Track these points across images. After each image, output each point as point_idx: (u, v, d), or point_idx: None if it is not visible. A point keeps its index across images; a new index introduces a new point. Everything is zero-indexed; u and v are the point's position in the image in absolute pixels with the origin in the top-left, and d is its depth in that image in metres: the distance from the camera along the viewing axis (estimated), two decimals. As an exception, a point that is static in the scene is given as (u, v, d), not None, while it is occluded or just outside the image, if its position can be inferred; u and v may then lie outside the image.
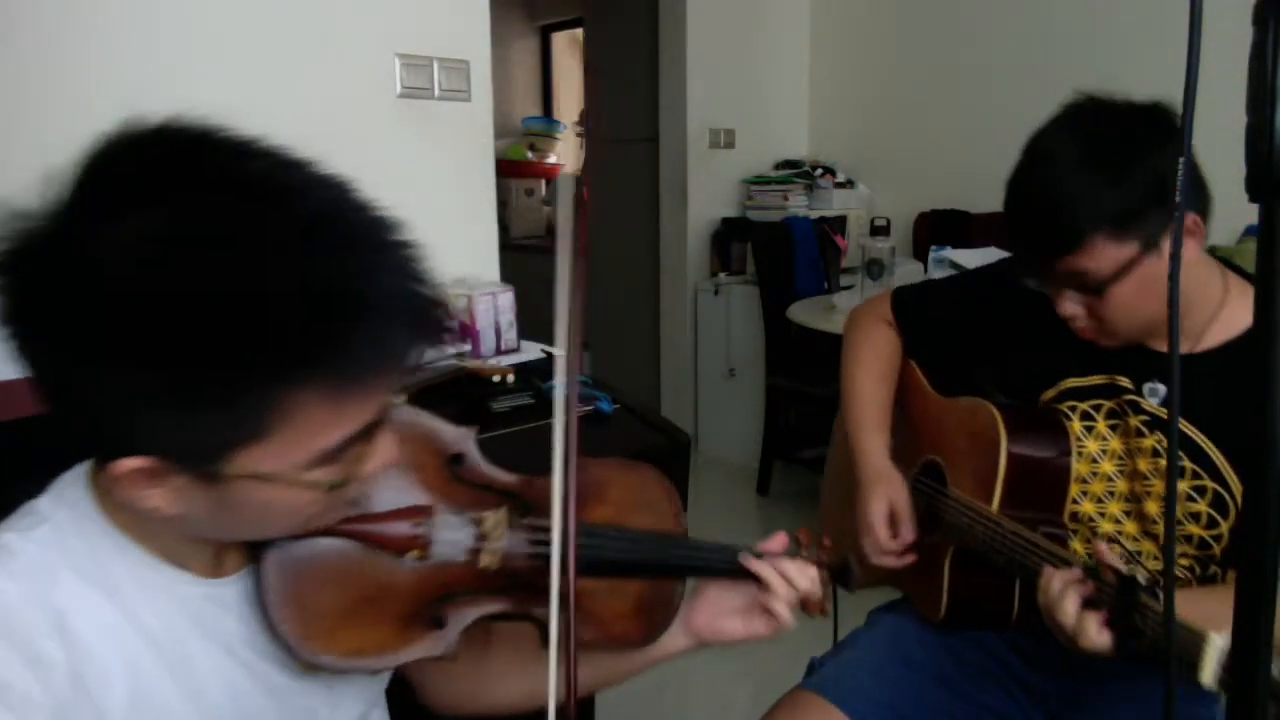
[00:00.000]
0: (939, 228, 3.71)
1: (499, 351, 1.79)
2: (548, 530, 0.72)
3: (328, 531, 0.72)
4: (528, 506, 0.81)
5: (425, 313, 0.64)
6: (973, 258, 2.86)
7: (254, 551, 0.72)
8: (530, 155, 5.66)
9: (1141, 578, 0.93)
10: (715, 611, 0.93)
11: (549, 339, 1.84)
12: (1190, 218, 1.03)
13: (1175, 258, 0.53)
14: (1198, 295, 1.10)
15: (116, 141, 0.59)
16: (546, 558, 0.71)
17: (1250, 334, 0.46)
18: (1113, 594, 0.95)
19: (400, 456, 0.74)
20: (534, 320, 1.91)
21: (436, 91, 1.95)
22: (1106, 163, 1.02)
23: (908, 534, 1.26)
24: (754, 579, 0.90)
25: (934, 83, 3.93)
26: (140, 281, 0.54)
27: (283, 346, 0.57)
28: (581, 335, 0.72)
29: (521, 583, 0.78)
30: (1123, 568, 0.96)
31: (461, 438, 0.83)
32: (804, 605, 0.93)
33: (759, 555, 0.91)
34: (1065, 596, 0.97)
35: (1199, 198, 1.04)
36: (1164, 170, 1.00)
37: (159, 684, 0.68)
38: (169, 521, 0.65)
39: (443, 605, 0.76)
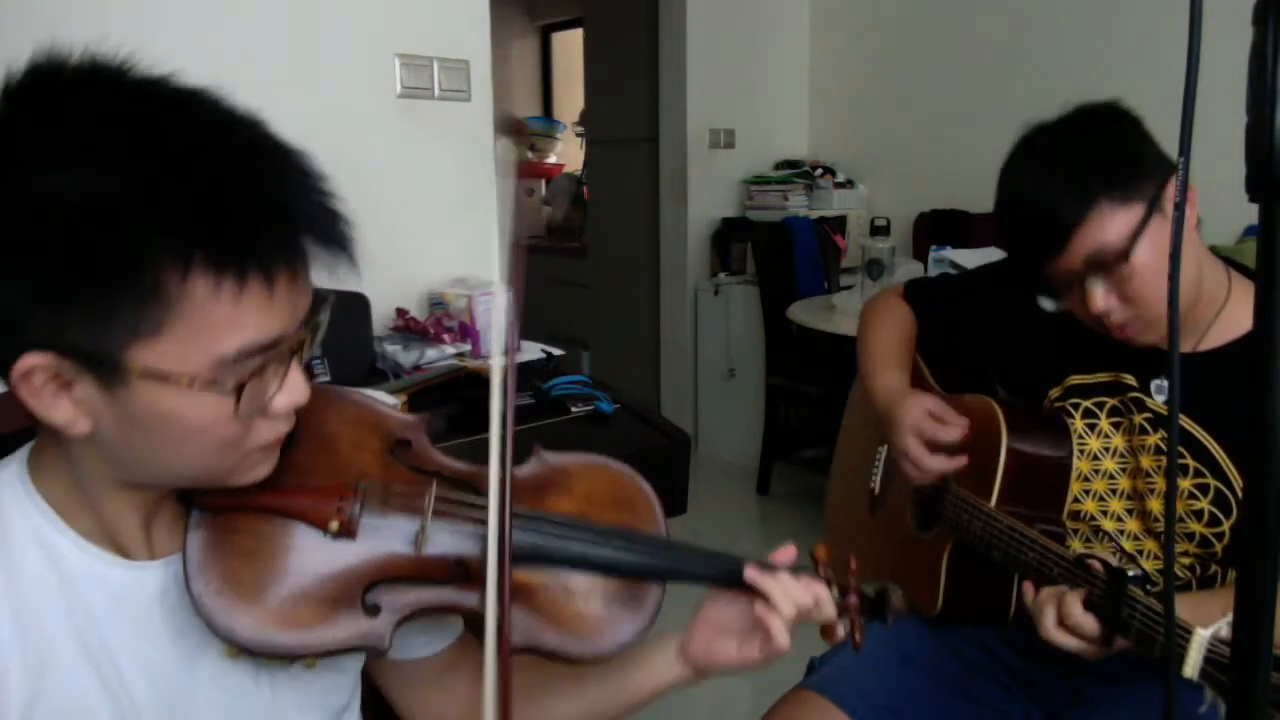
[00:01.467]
0: (939, 228, 3.71)
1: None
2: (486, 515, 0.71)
3: (251, 504, 0.70)
4: (479, 494, 0.77)
5: (321, 217, 0.64)
6: (973, 258, 2.87)
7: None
8: (530, 155, 5.67)
9: (1131, 571, 0.93)
10: (711, 634, 0.86)
11: (549, 339, 1.84)
12: (1176, 179, 1.03)
13: (1175, 258, 0.54)
14: (1203, 287, 1.10)
15: (36, 74, 0.61)
16: (480, 540, 0.70)
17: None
18: (1101, 585, 0.95)
19: (339, 434, 0.73)
20: (534, 320, 1.91)
21: (436, 91, 1.96)
22: (1088, 142, 1.05)
23: (956, 419, 1.19)
24: (749, 592, 0.83)
25: (934, 83, 3.93)
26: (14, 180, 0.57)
27: (159, 220, 0.57)
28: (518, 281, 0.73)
29: (469, 574, 0.74)
30: (1112, 560, 0.96)
31: (409, 424, 0.80)
32: (822, 631, 0.86)
33: (766, 567, 0.84)
34: (1068, 606, 0.98)
35: (1165, 164, 1.05)
36: (1142, 135, 1.05)
37: (66, 671, 0.67)
38: (85, 449, 0.64)
39: (376, 591, 0.72)
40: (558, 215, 5.46)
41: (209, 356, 0.61)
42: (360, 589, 0.72)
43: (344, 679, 0.83)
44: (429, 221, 1.96)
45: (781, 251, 3.66)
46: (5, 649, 0.64)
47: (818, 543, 0.91)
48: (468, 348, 1.77)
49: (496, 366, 0.70)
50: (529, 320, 1.93)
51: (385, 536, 0.73)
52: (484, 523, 0.73)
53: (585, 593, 0.80)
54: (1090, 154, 1.04)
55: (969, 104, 3.79)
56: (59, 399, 0.61)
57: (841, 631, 0.86)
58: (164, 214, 0.57)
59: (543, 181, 5.65)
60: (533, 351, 1.82)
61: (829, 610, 0.84)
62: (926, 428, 1.20)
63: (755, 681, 2.36)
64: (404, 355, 1.67)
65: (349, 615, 0.71)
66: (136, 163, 0.58)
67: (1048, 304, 1.13)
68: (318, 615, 0.70)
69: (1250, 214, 0.48)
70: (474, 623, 0.76)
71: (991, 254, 2.88)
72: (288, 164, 0.64)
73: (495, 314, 0.71)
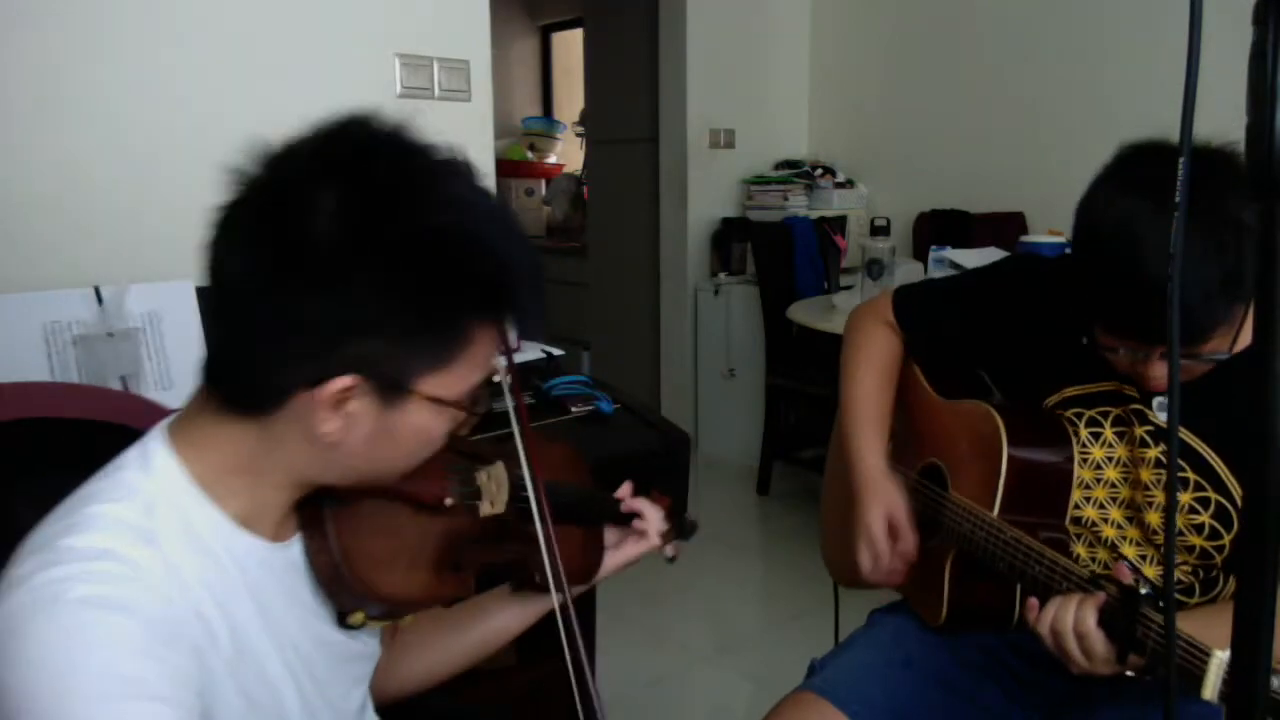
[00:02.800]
0: (939, 228, 3.71)
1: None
2: (524, 484, 0.90)
3: (380, 491, 0.81)
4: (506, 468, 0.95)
5: (542, 290, 0.78)
6: (973, 258, 2.86)
7: (304, 521, 0.80)
8: (530, 155, 5.67)
9: (1146, 590, 0.92)
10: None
11: (549, 339, 1.84)
12: None
13: (1175, 258, 0.53)
14: None
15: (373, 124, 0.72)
16: (523, 506, 0.89)
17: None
18: (1116, 605, 0.95)
19: None
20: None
21: (436, 91, 1.95)
22: (1225, 233, 0.92)
23: (909, 544, 1.23)
24: (631, 517, 1.07)
25: (934, 83, 3.93)
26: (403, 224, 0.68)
27: (482, 294, 0.72)
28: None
29: (507, 529, 0.92)
30: (1128, 580, 0.95)
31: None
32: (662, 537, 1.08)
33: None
34: (1084, 613, 0.97)
35: None
36: (1247, 219, 0.91)
37: (253, 641, 0.75)
38: (301, 450, 0.73)
39: (460, 552, 0.88)
40: (558, 215, 5.46)
41: (468, 387, 0.75)
42: (453, 552, 0.87)
43: (378, 633, 0.94)
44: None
45: (781, 251, 3.66)
46: (218, 629, 0.71)
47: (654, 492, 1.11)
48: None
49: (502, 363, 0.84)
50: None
51: (463, 508, 0.88)
52: (520, 492, 0.91)
53: (569, 537, 1.01)
54: (1237, 247, 0.91)
55: (969, 104, 3.79)
56: (336, 413, 0.70)
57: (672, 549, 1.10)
58: (490, 272, 0.71)
59: (543, 181, 5.65)
60: (533, 351, 1.82)
61: (659, 522, 1.07)
62: (879, 544, 1.23)
63: (755, 682, 2.37)
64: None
65: (448, 574, 0.87)
66: (481, 225, 0.71)
67: (1121, 354, 1.07)
68: (433, 579, 0.85)
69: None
70: (515, 570, 0.97)
71: (991, 254, 2.88)
72: (522, 232, 0.78)
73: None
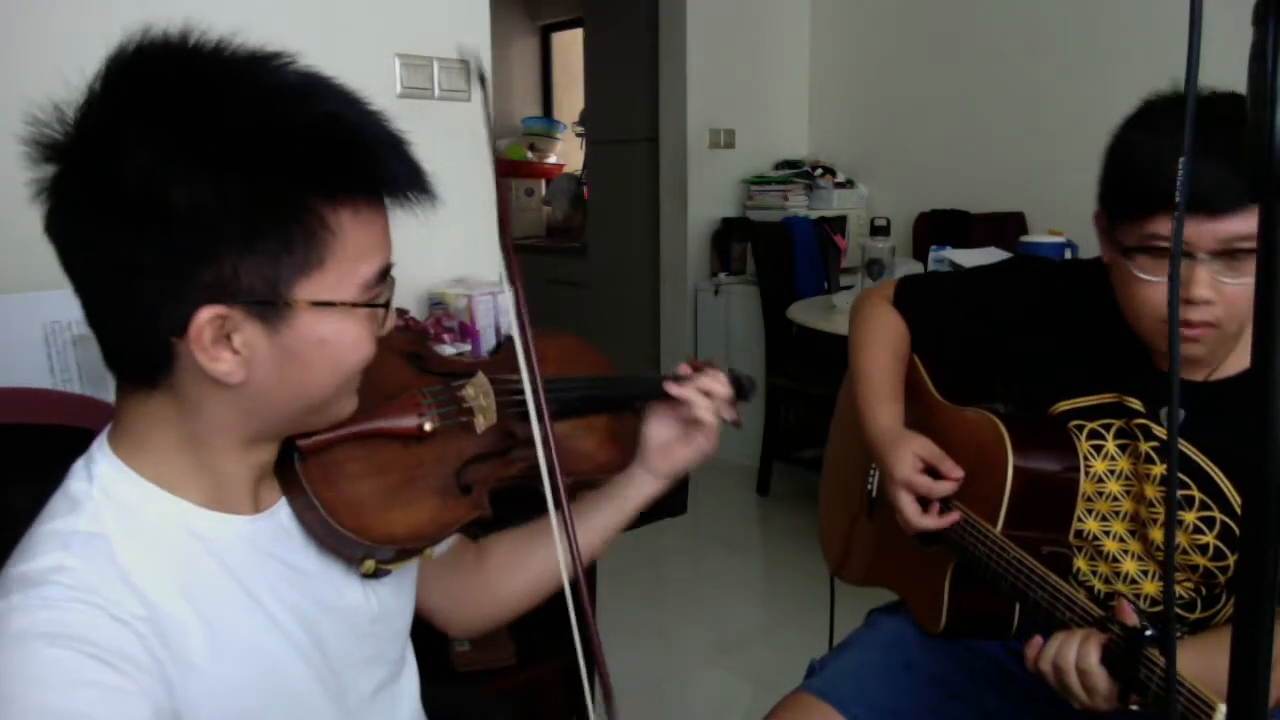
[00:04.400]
0: (939, 228, 3.71)
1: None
2: (520, 387, 0.85)
3: (343, 436, 0.79)
4: (510, 380, 0.91)
5: (410, 154, 0.74)
6: (973, 258, 2.86)
7: (284, 483, 0.78)
8: (530, 155, 5.67)
9: (1150, 632, 0.91)
10: (662, 448, 1.04)
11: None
12: None
13: (1175, 258, 0.53)
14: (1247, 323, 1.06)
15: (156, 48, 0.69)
16: (521, 410, 0.85)
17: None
18: (1119, 644, 0.93)
19: (371, 366, 0.81)
20: (534, 320, 1.90)
21: (436, 91, 1.95)
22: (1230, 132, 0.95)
23: (953, 471, 1.16)
24: (674, 402, 1.02)
25: (934, 83, 3.92)
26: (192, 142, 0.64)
27: (317, 172, 0.67)
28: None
29: (514, 438, 0.90)
30: (1131, 620, 0.94)
31: (410, 340, 0.94)
32: (722, 416, 1.04)
33: (676, 378, 1.04)
34: (1086, 650, 0.96)
35: None
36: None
37: (235, 624, 0.72)
38: (219, 408, 0.70)
39: (464, 473, 0.86)
40: (558, 215, 5.46)
41: (358, 281, 0.70)
42: (454, 475, 0.85)
43: (411, 588, 0.93)
44: (429, 221, 1.95)
45: (781, 251, 3.66)
46: (186, 622, 0.69)
47: (689, 355, 1.12)
48: (468, 348, 1.77)
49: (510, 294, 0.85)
50: (529, 320, 1.93)
51: (453, 429, 0.86)
52: (513, 398, 0.89)
53: (592, 428, 1.02)
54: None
55: (969, 104, 3.79)
56: (222, 351, 0.67)
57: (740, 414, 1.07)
58: (308, 155, 0.66)
59: (543, 181, 5.65)
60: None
61: (726, 388, 1.04)
62: (919, 483, 1.17)
63: (755, 682, 2.37)
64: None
65: (457, 499, 0.84)
66: (291, 102, 0.66)
67: (1141, 270, 1.02)
68: (438, 507, 0.82)
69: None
70: (533, 476, 0.90)
71: (991, 254, 2.88)
72: (367, 105, 0.72)
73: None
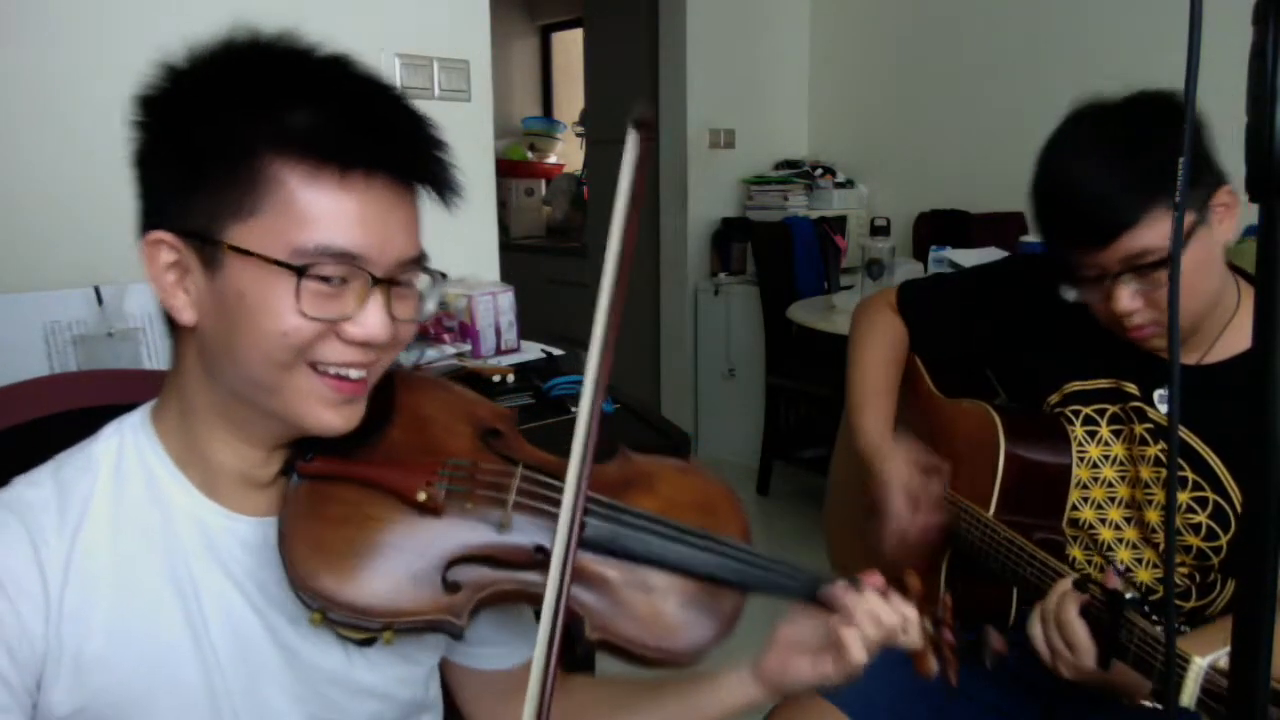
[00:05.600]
0: (939, 228, 3.71)
1: (499, 351, 1.79)
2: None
3: (347, 474, 0.74)
4: (558, 485, 0.77)
5: (420, 141, 0.73)
6: (973, 258, 2.86)
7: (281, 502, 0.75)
8: (530, 155, 5.67)
9: (1130, 595, 0.92)
10: (787, 651, 0.85)
11: (549, 339, 1.84)
12: (1225, 191, 1.02)
13: (1175, 259, 0.53)
14: (1217, 299, 1.08)
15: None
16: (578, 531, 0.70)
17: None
18: (1100, 608, 0.95)
19: (434, 418, 0.79)
20: (534, 320, 1.91)
21: (436, 91, 1.95)
22: (1150, 139, 0.99)
23: (941, 467, 1.21)
24: (828, 609, 0.82)
25: (934, 83, 3.92)
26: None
27: (271, 113, 0.67)
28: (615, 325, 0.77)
29: (547, 561, 0.72)
30: (1115, 584, 0.95)
31: (501, 415, 0.85)
32: (915, 662, 0.84)
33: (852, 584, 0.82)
34: (1064, 602, 0.97)
35: (1215, 173, 1.02)
36: (1202, 137, 1.00)
37: (162, 603, 0.73)
38: (192, 367, 0.73)
39: (458, 570, 0.74)
40: (558, 215, 5.46)
41: (288, 243, 0.67)
42: (443, 566, 0.73)
43: (419, 671, 0.85)
44: (428, 221, 1.95)
45: (781, 251, 3.66)
46: (98, 568, 0.71)
47: (909, 571, 0.87)
48: (468, 348, 1.77)
49: (593, 358, 0.75)
50: (529, 320, 1.93)
51: (470, 517, 0.76)
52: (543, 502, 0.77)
53: (664, 591, 0.80)
54: (1152, 152, 0.99)
55: (969, 104, 3.79)
56: (178, 289, 0.70)
57: (935, 665, 0.84)
58: (269, 100, 0.67)
59: (543, 181, 5.65)
60: (532, 351, 1.82)
61: (915, 635, 0.82)
62: (917, 486, 1.21)
63: (755, 681, 2.36)
64: (404, 355, 1.67)
65: (430, 590, 0.72)
66: (245, 51, 0.70)
67: (1070, 294, 1.10)
68: (400, 586, 0.72)
69: (1250, 214, 0.48)
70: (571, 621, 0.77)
71: (991, 254, 2.88)
72: (394, 92, 0.73)
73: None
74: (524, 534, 0.76)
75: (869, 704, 1.21)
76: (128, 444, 0.75)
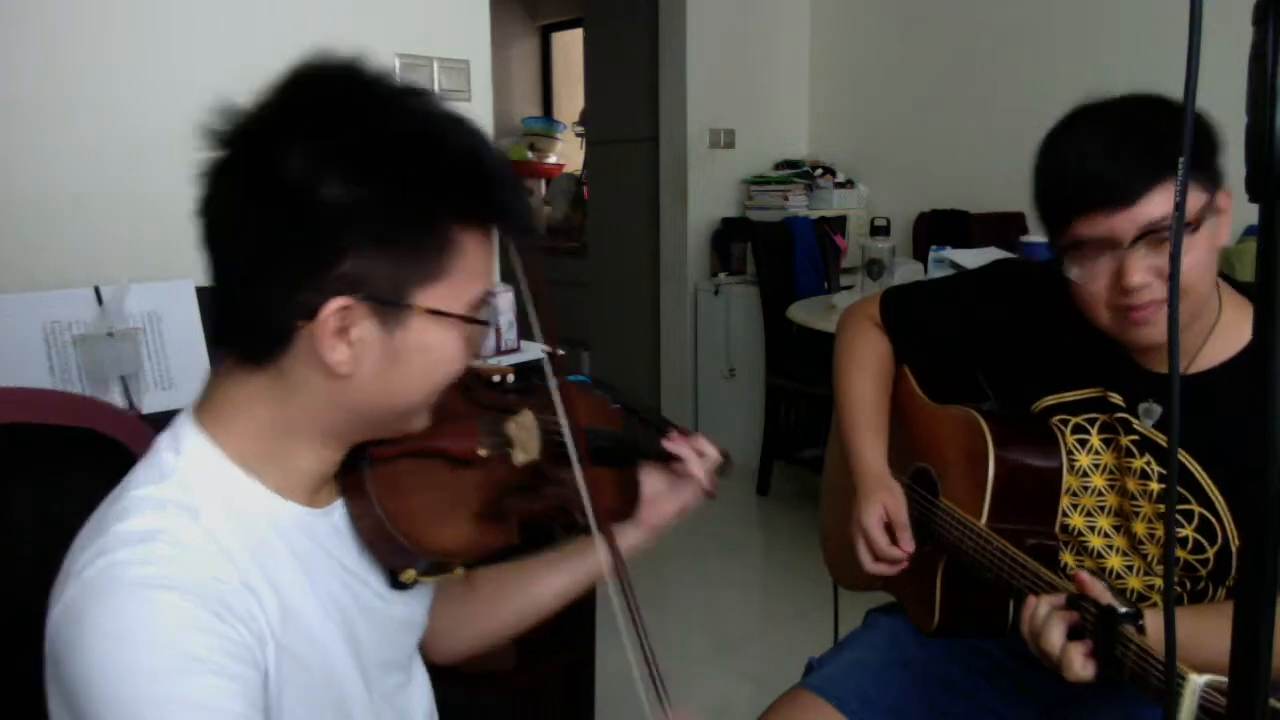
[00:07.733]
0: (939, 228, 3.71)
1: (499, 351, 1.79)
2: (556, 429, 0.92)
3: (411, 450, 0.84)
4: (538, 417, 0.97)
5: (526, 196, 0.82)
6: (973, 258, 2.86)
7: (345, 488, 0.82)
8: (530, 155, 5.67)
9: (1122, 607, 0.91)
10: (651, 500, 1.08)
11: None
12: (1222, 194, 1.01)
13: (1175, 259, 0.53)
14: (1208, 300, 1.06)
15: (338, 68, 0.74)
16: (558, 450, 0.92)
17: (1245, 353, 0.46)
18: (1094, 623, 0.94)
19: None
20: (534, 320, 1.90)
21: (436, 91, 1.95)
22: (1152, 120, 1.01)
23: (906, 543, 1.22)
24: (673, 458, 1.07)
25: (934, 83, 3.93)
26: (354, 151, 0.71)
27: (457, 193, 0.73)
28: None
29: (544, 476, 0.94)
30: (1105, 598, 0.94)
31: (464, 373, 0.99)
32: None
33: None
34: (1050, 624, 0.96)
35: (1219, 171, 1.01)
36: (1207, 129, 1.00)
37: (301, 605, 0.76)
38: (317, 398, 0.74)
39: (500, 502, 0.90)
40: (558, 215, 5.46)
41: (469, 299, 0.76)
42: (493, 502, 0.89)
43: (427, 609, 0.96)
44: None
45: (781, 251, 3.66)
46: (265, 595, 0.73)
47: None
48: (467, 348, 1.77)
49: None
50: (528, 320, 1.93)
51: (497, 459, 0.91)
52: (551, 438, 0.94)
53: (606, 479, 1.04)
54: (1166, 127, 1.00)
55: (969, 104, 3.79)
56: (339, 341, 0.71)
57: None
58: (460, 171, 0.73)
59: (543, 181, 5.65)
60: (533, 351, 1.82)
61: (715, 454, 1.10)
62: (876, 539, 1.22)
63: (755, 681, 2.37)
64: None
65: (491, 523, 0.88)
66: (445, 127, 0.73)
67: (1072, 271, 1.07)
68: (477, 530, 0.87)
69: (1250, 214, 0.48)
70: (557, 514, 0.97)
71: (991, 254, 2.88)
72: (494, 142, 0.79)
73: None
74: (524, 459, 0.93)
75: (866, 701, 1.21)
76: (203, 468, 0.75)
